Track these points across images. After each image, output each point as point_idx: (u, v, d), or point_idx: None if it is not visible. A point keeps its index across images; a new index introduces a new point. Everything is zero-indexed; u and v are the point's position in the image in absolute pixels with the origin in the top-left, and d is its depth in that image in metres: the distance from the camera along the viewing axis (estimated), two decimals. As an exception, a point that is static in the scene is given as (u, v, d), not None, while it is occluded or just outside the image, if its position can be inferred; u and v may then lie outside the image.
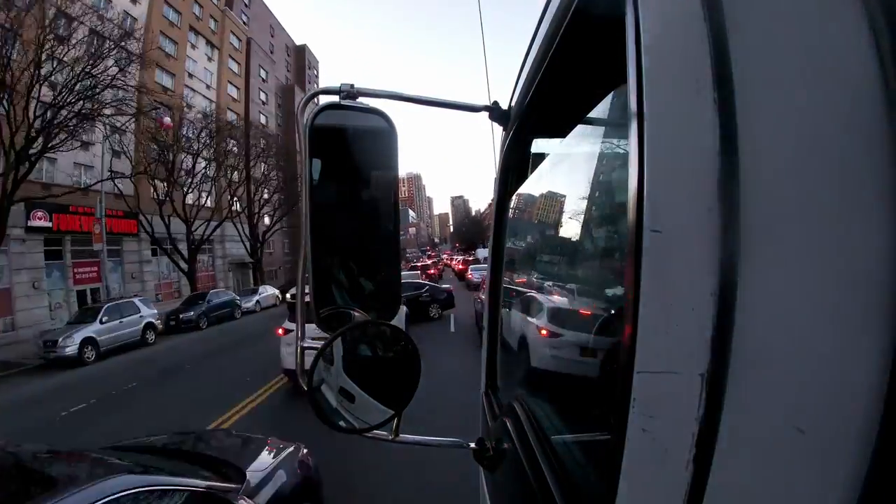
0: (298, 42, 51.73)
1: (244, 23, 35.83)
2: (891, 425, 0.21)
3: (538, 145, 1.14)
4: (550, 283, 1.11)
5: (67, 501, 1.64)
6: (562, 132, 0.93)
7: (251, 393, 7.25)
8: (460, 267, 33.85)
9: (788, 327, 0.25)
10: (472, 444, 0.96)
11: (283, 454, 2.98)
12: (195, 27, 27.83)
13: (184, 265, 20.88)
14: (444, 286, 15.53)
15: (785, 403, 0.25)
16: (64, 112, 13.31)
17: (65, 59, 13.30)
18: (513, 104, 0.99)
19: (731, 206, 0.28)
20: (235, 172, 24.70)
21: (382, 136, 0.78)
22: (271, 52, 41.76)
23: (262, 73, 37.54)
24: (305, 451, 3.18)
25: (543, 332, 1.04)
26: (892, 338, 0.21)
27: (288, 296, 11.39)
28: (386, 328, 0.79)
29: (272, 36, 43.40)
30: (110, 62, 14.44)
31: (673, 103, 0.35)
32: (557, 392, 0.94)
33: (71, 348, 11.62)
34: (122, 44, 15.49)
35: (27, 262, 16.49)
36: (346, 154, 0.80)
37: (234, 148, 25.51)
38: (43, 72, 12.85)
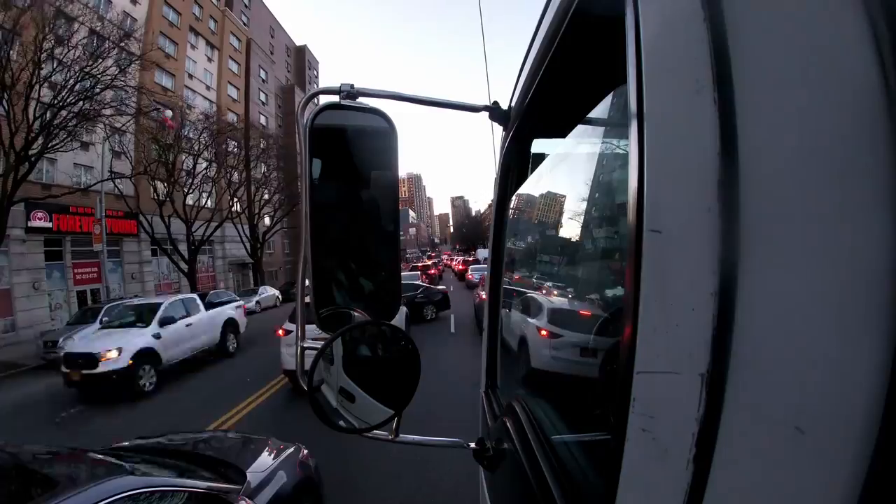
0: (298, 42, 51.76)
1: (244, 23, 35.86)
2: (891, 425, 0.21)
3: (538, 145, 1.14)
4: (550, 283, 1.11)
5: (67, 502, 1.64)
6: (562, 132, 0.93)
7: (252, 393, 7.25)
8: (460, 267, 33.93)
9: (788, 327, 0.25)
10: (472, 444, 0.96)
11: (284, 455, 2.98)
12: (195, 28, 27.85)
13: (184, 266, 20.86)
14: (439, 287, 15.58)
15: (785, 403, 0.25)
16: (64, 112, 13.31)
17: (64, 59, 13.30)
18: (513, 104, 0.99)
19: (731, 206, 0.28)
20: (236, 173, 24.69)
21: (382, 136, 0.78)
22: (271, 53, 41.77)
23: (262, 74, 37.55)
24: (305, 451, 3.18)
25: (543, 332, 1.04)
26: (893, 338, 0.21)
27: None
28: (386, 328, 0.79)
29: (272, 36, 43.42)
30: (110, 62, 14.43)
31: (673, 103, 0.35)
32: (557, 392, 0.94)
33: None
34: (122, 44, 15.49)
35: (27, 263, 16.49)
36: (347, 154, 0.80)
37: (235, 149, 25.52)
38: (43, 72, 12.86)
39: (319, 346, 0.72)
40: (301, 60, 51.20)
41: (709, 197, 0.29)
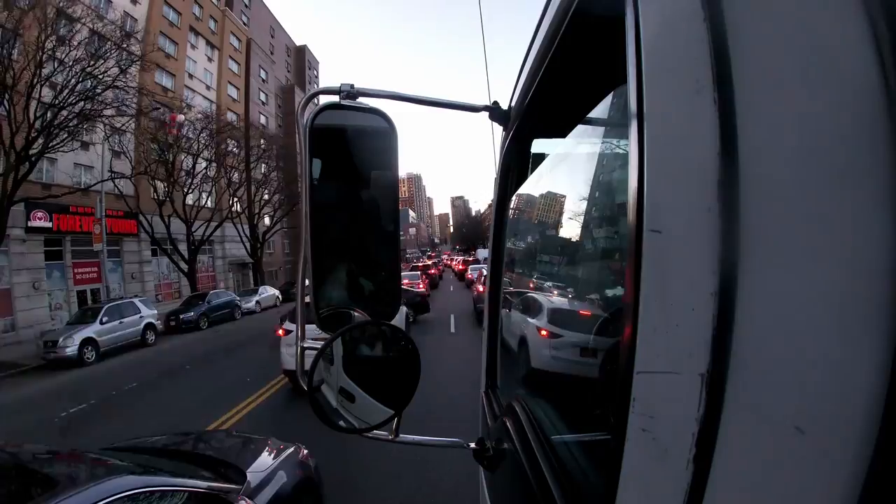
0: (298, 42, 51.76)
1: (244, 23, 35.86)
2: (891, 425, 0.21)
3: (538, 145, 1.14)
4: (550, 283, 1.11)
5: (67, 502, 1.64)
6: (562, 132, 0.93)
7: (252, 393, 7.25)
8: (460, 267, 34.11)
9: (788, 327, 0.25)
10: (473, 444, 0.96)
11: (284, 455, 2.98)
12: (195, 27, 27.85)
13: (184, 265, 20.87)
14: (419, 290, 15.28)
15: (785, 403, 0.25)
16: (65, 112, 13.31)
17: (66, 59, 13.31)
18: (513, 104, 0.99)
19: (731, 206, 0.28)
20: (236, 173, 24.70)
21: (382, 136, 0.78)
22: (271, 53, 41.77)
23: (262, 74, 37.56)
24: (305, 451, 3.18)
25: (543, 332, 1.04)
26: (893, 338, 0.21)
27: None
28: (386, 328, 0.79)
29: (272, 36, 43.42)
30: (111, 63, 14.44)
31: (673, 103, 0.35)
32: (557, 392, 0.94)
33: (71, 349, 11.59)
34: (123, 45, 15.50)
35: (27, 263, 16.49)
36: (347, 154, 0.80)
37: (235, 148, 25.52)
38: (44, 72, 12.86)
39: (319, 346, 0.72)
40: (301, 60, 51.20)
41: (709, 197, 0.29)
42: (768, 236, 0.27)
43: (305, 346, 0.79)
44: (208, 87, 29.32)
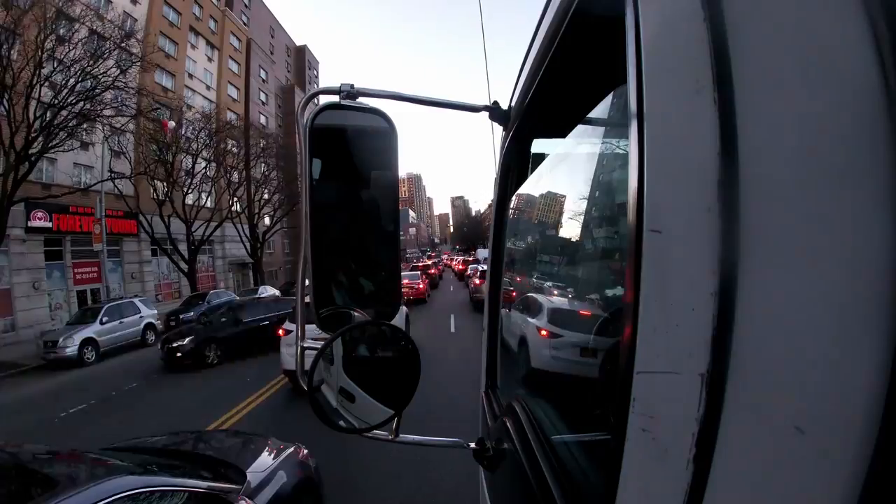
0: (298, 42, 51.75)
1: (244, 23, 35.84)
2: (891, 425, 0.21)
3: (538, 145, 1.14)
4: (550, 283, 1.11)
5: (67, 502, 1.64)
6: (562, 132, 0.93)
7: (252, 393, 7.25)
8: (460, 267, 34.26)
9: (788, 327, 0.25)
10: (473, 444, 0.96)
11: (284, 454, 2.98)
12: (195, 27, 27.84)
13: (184, 265, 20.85)
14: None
15: (785, 403, 0.25)
16: (64, 112, 13.30)
17: (65, 59, 13.30)
18: (513, 104, 0.99)
19: (731, 206, 0.28)
20: (235, 173, 24.69)
21: (382, 136, 0.78)
22: (271, 53, 41.76)
23: (262, 74, 37.55)
24: (305, 451, 3.18)
25: (543, 332, 1.04)
26: (893, 338, 0.21)
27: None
28: (386, 328, 0.79)
29: (272, 36, 43.41)
30: (111, 63, 14.43)
31: (673, 103, 0.35)
32: (557, 392, 0.94)
33: (71, 349, 11.59)
34: (123, 45, 15.49)
35: (27, 263, 16.48)
36: (347, 154, 0.80)
37: (234, 148, 25.51)
38: (44, 72, 12.85)
39: (319, 346, 0.72)
40: (301, 60, 51.19)
41: (709, 197, 0.29)
42: (768, 236, 0.27)
43: (305, 346, 0.79)
44: (208, 87, 29.31)
